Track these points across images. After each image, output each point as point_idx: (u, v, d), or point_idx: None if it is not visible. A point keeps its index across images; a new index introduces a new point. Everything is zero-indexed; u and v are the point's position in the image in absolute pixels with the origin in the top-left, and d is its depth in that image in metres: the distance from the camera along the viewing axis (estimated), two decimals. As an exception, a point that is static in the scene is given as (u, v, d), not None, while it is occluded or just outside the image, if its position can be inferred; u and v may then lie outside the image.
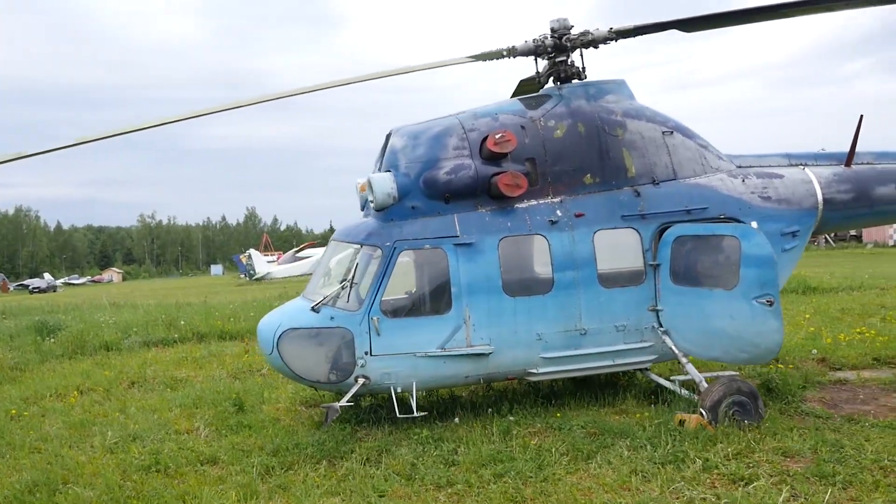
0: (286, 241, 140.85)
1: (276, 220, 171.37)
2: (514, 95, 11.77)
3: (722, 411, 8.70)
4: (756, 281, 8.64)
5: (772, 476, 7.20)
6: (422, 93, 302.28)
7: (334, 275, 10.10)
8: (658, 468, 7.51)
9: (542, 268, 9.64)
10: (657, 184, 10.10)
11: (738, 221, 10.00)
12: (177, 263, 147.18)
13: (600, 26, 10.17)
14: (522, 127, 9.78)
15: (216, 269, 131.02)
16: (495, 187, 9.38)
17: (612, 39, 10.06)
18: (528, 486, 7.26)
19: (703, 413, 8.70)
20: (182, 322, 19.65)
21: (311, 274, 48.12)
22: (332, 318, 9.19)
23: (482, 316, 9.24)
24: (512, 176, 9.35)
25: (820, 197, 10.87)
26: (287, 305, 10.09)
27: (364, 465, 8.12)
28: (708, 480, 7.19)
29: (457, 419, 9.46)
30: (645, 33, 9.81)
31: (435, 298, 9.37)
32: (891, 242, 70.84)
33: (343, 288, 9.24)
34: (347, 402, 9.16)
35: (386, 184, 9.36)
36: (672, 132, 10.41)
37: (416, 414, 9.07)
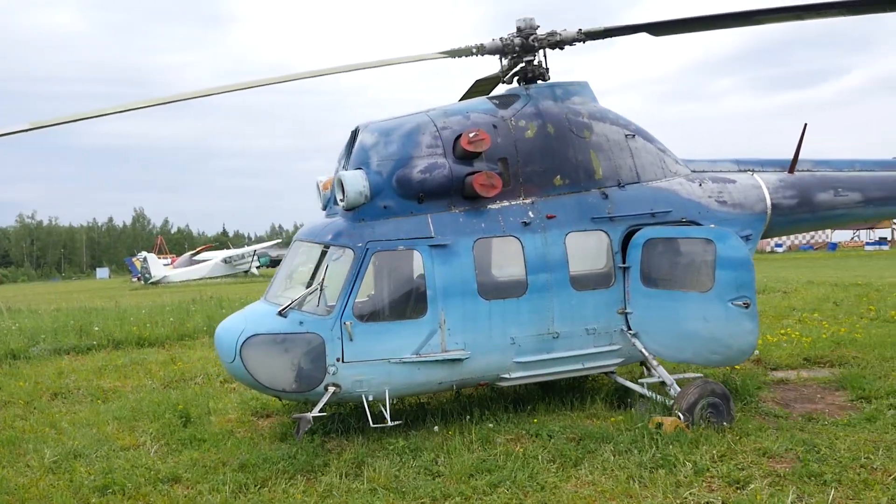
0: (177, 243, 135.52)
1: (166, 222, 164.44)
2: (468, 95, 11.56)
3: (697, 413, 8.77)
4: (732, 283, 8.74)
5: (764, 477, 7.26)
6: (322, 95, 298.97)
7: (299, 277, 9.57)
8: (651, 473, 7.45)
9: (515, 270, 9.45)
10: (623, 186, 10.12)
11: (697, 225, 10.17)
12: (59, 266, 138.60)
13: (567, 27, 10.11)
14: (494, 126, 9.57)
15: (102, 272, 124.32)
16: (470, 187, 9.12)
17: (580, 40, 10.01)
18: (528, 496, 7.03)
19: (680, 415, 8.74)
20: (96, 328, 18.32)
21: (211, 278, 46.39)
22: (301, 322, 8.66)
23: (457, 320, 8.95)
24: (487, 176, 9.12)
25: (769, 202, 11.20)
26: (248, 310, 9.45)
27: (343, 478, 7.66)
28: (704, 483, 7.19)
29: (436, 427, 9.11)
30: (613, 35, 9.82)
31: (409, 302, 9.01)
32: (767, 249, 75.73)
33: (312, 291, 8.73)
34: (320, 412, 8.65)
35: (358, 182, 8.93)
36: (634, 135, 10.47)
37: (389, 423, 8.67)
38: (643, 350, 9.64)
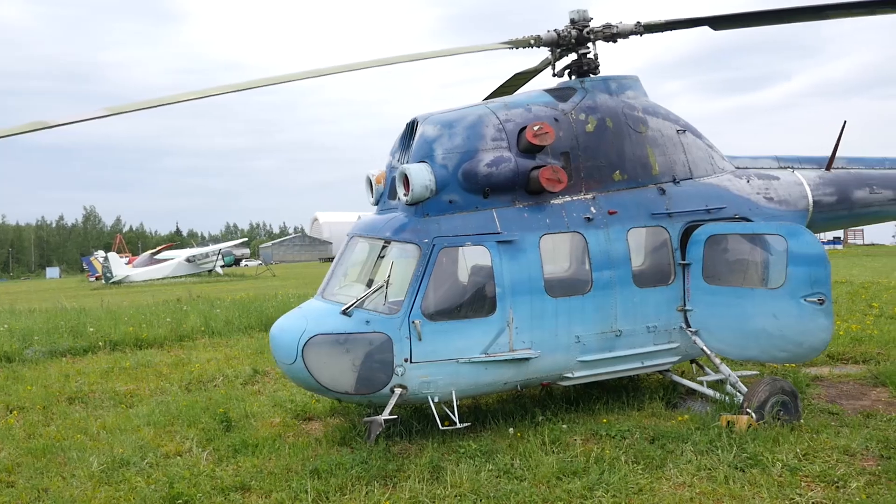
0: (130, 243, 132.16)
1: (118, 221, 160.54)
2: (504, 88, 11.28)
3: (768, 411, 8.64)
4: (805, 280, 8.61)
5: (859, 476, 7.14)
6: (276, 94, 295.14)
7: (357, 274, 9.16)
8: (743, 473, 7.28)
9: (580, 267, 9.22)
10: (677, 182, 9.96)
11: (748, 220, 10.07)
12: (6, 266, 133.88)
13: (623, 19, 9.91)
14: (556, 119, 9.31)
15: (52, 271, 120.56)
16: (535, 181, 8.85)
17: (637, 33, 9.81)
18: (628, 500, 6.79)
19: (752, 413, 8.60)
20: (91, 329, 17.51)
21: (174, 277, 45.30)
22: (367, 321, 8.27)
23: (525, 318, 8.66)
24: (553, 170, 8.86)
25: (810, 199, 11.18)
26: (306, 308, 8.99)
27: (425, 484, 7.33)
28: (804, 484, 7.04)
29: (511, 429, 8.81)
30: (675, 28, 9.64)
31: (479, 300, 8.68)
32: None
33: (378, 289, 8.34)
34: (390, 415, 8.27)
35: (423, 175, 8.57)
36: (685, 131, 10.33)
37: (459, 425, 8.34)
38: (705, 348, 9.49)
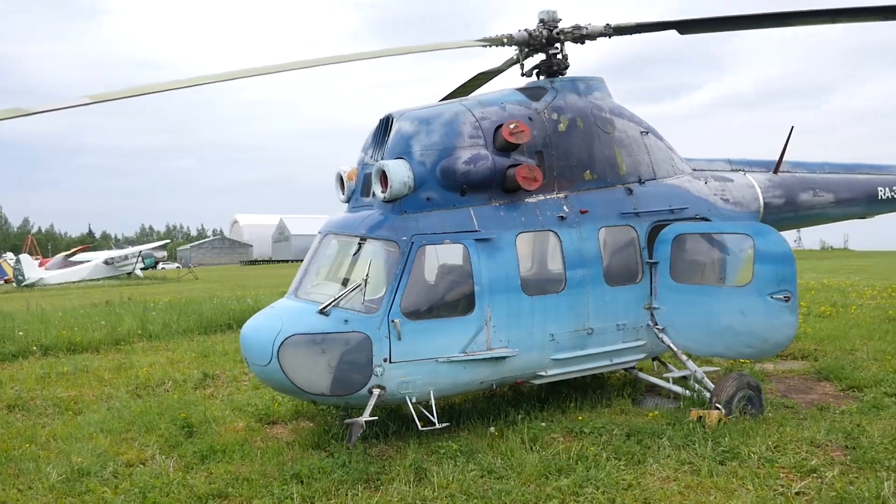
0: (40, 244, 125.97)
1: (26, 221, 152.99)
2: (465, 88, 11.24)
3: (735, 405, 8.87)
4: (773, 277, 8.88)
5: (832, 466, 7.39)
6: (192, 94, 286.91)
7: (331, 273, 8.92)
8: (723, 466, 7.44)
9: (554, 265, 9.25)
10: (643, 183, 10.13)
11: (708, 221, 10.34)
12: None
13: (592, 21, 10.02)
14: (530, 118, 9.32)
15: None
16: (512, 180, 8.83)
17: (606, 35, 9.94)
18: (620, 496, 6.82)
19: (721, 408, 8.81)
20: (20, 333, 16.52)
21: (91, 280, 43.39)
22: (346, 320, 8.06)
23: (502, 317, 8.63)
24: (529, 169, 8.86)
25: (762, 201, 11.57)
26: (280, 307, 8.68)
27: (412, 486, 7.19)
28: (782, 474, 7.24)
29: (492, 428, 8.74)
30: (643, 31, 9.80)
31: (458, 298, 8.58)
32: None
33: (356, 287, 8.14)
34: (371, 416, 8.08)
35: (402, 172, 8.43)
36: (648, 132, 10.52)
37: (438, 425, 8.22)
38: (671, 345, 9.67)
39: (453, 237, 8.54)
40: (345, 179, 9.31)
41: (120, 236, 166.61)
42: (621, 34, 9.88)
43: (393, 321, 8.07)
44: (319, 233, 9.27)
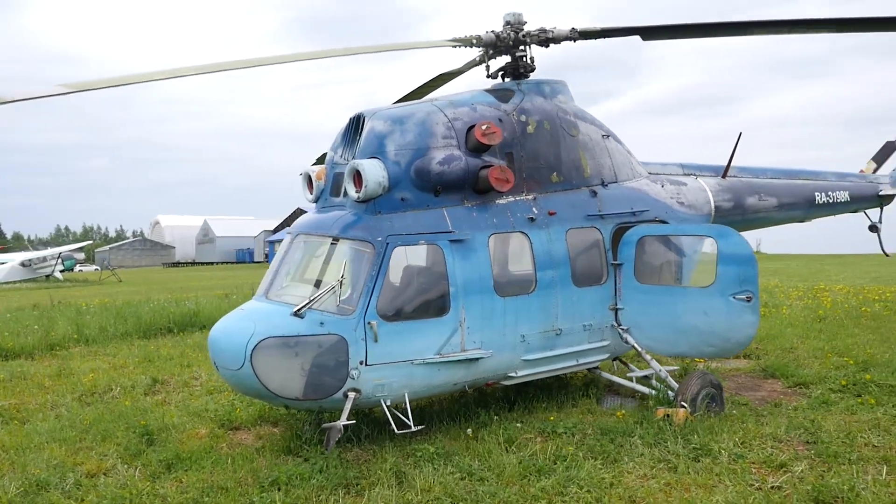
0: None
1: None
2: (425, 88, 11.21)
3: (699, 403, 9.11)
4: (735, 278, 9.15)
5: (800, 460, 7.66)
6: (108, 89, 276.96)
7: (302, 273, 8.72)
8: (696, 462, 7.62)
9: (525, 266, 9.29)
10: (606, 185, 10.31)
11: (666, 223, 10.59)
12: None
13: (557, 25, 10.13)
14: (500, 120, 9.35)
15: None
16: (484, 181, 8.83)
17: (571, 39, 10.06)
18: (605, 495, 6.90)
19: (686, 406, 9.03)
20: (-54, 339, 15.57)
21: (6, 283, 41.48)
22: (321, 323, 7.90)
23: (476, 318, 8.62)
24: (501, 170, 8.88)
25: (712, 204, 11.93)
26: (251, 309, 8.41)
27: (395, 490, 7.10)
28: (753, 469, 7.46)
29: (469, 430, 8.70)
30: (608, 37, 9.97)
31: (433, 300, 8.51)
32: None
33: (331, 289, 7.98)
34: (347, 420, 7.93)
35: (377, 171, 8.32)
36: (609, 136, 10.71)
37: (413, 428, 8.15)
38: (636, 345, 9.86)
39: (428, 238, 8.49)
40: (313, 179, 9.14)
41: (34, 237, 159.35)
42: (586, 38, 10.01)
43: (369, 323, 7.96)
44: (289, 233, 9.07)
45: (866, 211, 15.50)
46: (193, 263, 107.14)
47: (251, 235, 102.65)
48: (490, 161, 9.02)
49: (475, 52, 10.31)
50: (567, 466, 7.50)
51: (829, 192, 14.29)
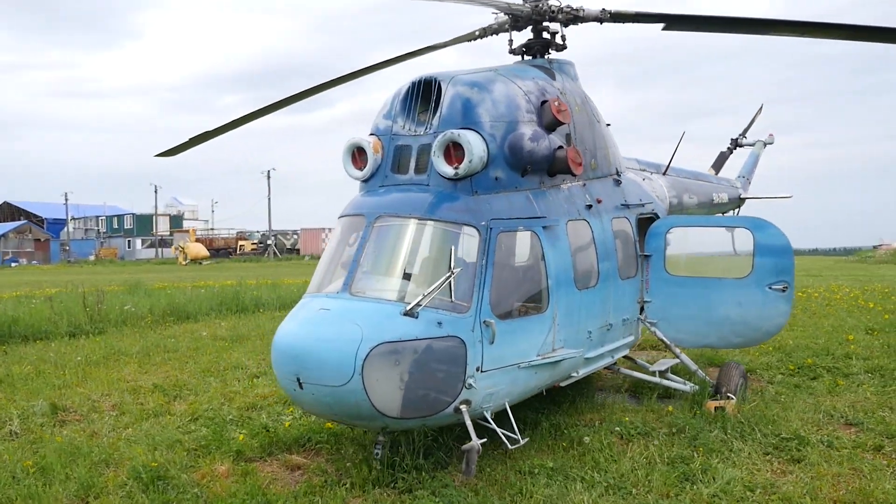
0: None
1: None
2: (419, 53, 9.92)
3: (739, 394, 9.12)
4: (772, 269, 9.19)
5: (872, 440, 7.90)
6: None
7: (388, 264, 7.03)
8: (805, 451, 7.54)
9: (590, 257, 8.52)
10: (620, 175, 9.96)
11: (656, 216, 10.54)
12: None
13: (585, 4, 9.50)
14: (562, 94, 8.52)
15: None
16: (562, 162, 7.85)
17: (599, 21, 9.49)
18: (768, 500, 6.49)
19: (732, 397, 8.96)
20: None
21: None
22: (439, 323, 6.48)
23: (563, 314, 7.70)
24: (576, 151, 8.05)
25: (668, 199, 12.17)
26: (343, 309, 6.51)
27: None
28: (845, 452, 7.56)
29: (587, 438, 7.71)
30: (639, 22, 9.56)
31: (535, 294, 7.44)
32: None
33: (444, 281, 6.57)
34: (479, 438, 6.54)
35: (479, 145, 7.08)
36: (609, 125, 10.38)
37: (521, 442, 6.97)
38: (664, 338, 9.61)
39: (525, 223, 7.44)
40: (368, 152, 7.54)
41: None
42: (616, 21, 9.52)
43: (486, 322, 6.73)
44: (359, 214, 7.32)
45: (733, 211, 16.92)
46: None
47: None
48: (556, 141, 8.16)
49: (491, 18, 9.35)
50: (703, 469, 6.99)
51: (719, 194, 15.37)
